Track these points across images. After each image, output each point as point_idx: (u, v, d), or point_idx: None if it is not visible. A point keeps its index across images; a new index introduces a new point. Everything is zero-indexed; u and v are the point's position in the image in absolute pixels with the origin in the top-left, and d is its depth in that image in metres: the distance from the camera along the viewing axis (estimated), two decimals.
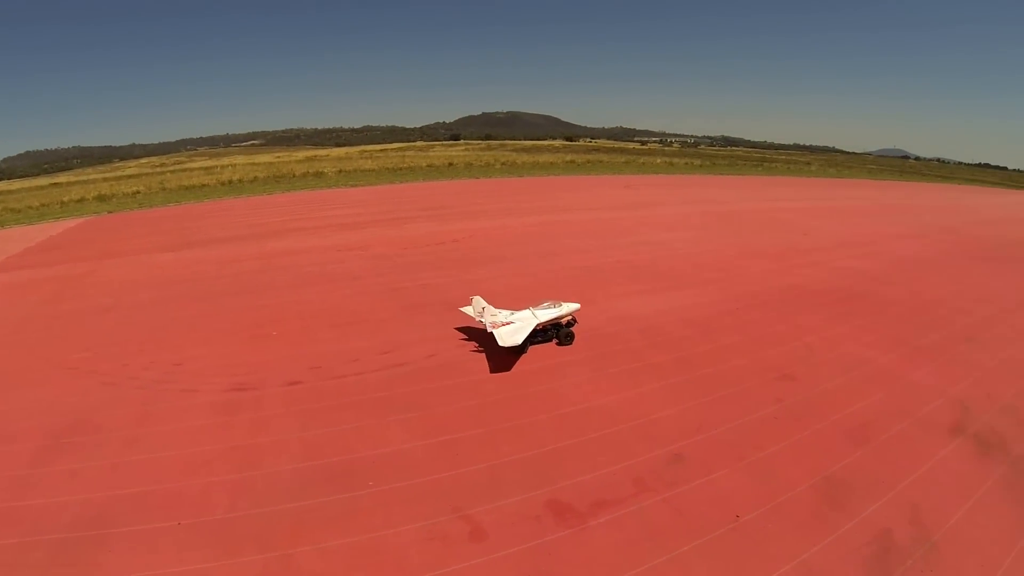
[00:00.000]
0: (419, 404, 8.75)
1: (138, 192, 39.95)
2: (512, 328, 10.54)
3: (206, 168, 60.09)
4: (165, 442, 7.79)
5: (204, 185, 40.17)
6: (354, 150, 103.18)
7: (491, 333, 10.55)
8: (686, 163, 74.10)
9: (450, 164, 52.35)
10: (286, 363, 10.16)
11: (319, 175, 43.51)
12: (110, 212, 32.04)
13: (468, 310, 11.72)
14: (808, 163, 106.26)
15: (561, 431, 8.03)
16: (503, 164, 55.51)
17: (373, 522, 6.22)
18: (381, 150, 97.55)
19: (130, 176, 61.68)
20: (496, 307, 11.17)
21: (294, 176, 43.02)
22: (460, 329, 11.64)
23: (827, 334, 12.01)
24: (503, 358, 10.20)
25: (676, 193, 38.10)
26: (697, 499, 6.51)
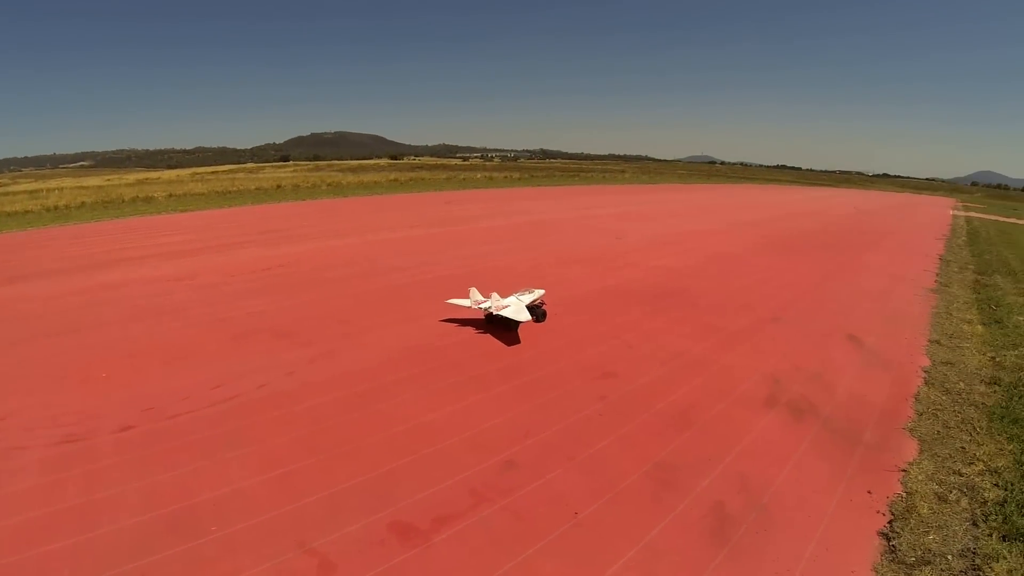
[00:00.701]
0: (253, 438, 8.36)
1: None
2: (514, 309, 12.74)
3: (31, 192, 54.03)
4: None
5: (28, 211, 36.02)
6: (185, 172, 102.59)
7: (497, 315, 12.78)
8: (505, 177, 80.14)
9: (278, 186, 52.95)
10: (118, 407, 9.31)
11: (149, 200, 41.08)
12: None
13: (461, 301, 13.65)
14: (623, 171, 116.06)
15: (394, 451, 8.00)
16: (329, 185, 57.16)
17: (220, 570, 5.82)
18: (212, 172, 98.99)
19: None
20: (477, 298, 13.31)
21: (123, 201, 40.10)
22: (288, 356, 11.33)
23: (644, 330, 13.09)
24: (332, 383, 10.17)
25: (495, 206, 39.93)
26: (535, 502, 6.88)
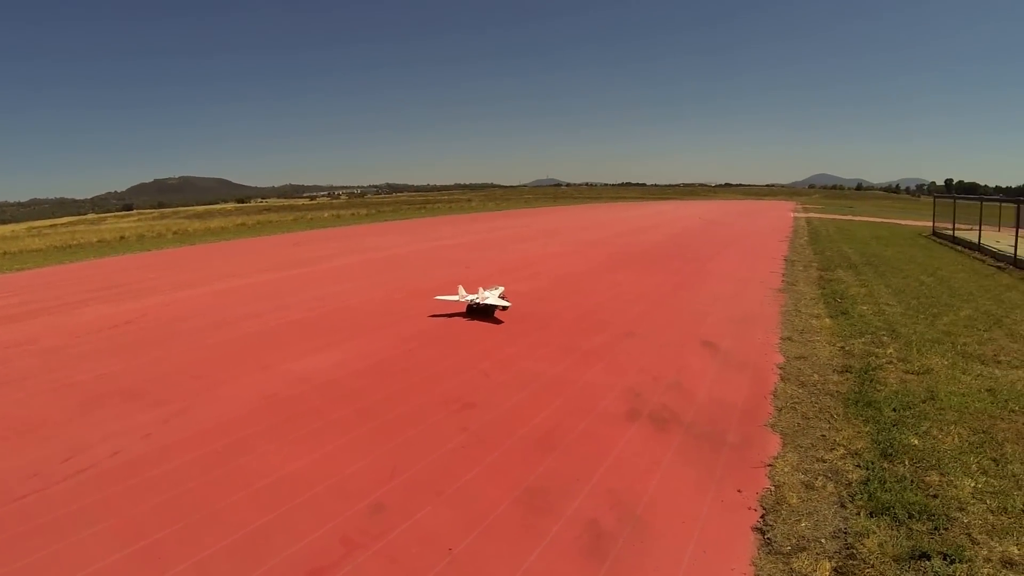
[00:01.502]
0: (112, 511, 7.65)
1: None
2: (493, 299, 16.63)
3: None
4: None
5: None
6: (20, 227, 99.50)
7: (484, 305, 16.53)
8: (353, 214, 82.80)
9: (122, 237, 51.94)
10: None
11: None
12: None
13: (449, 297, 17.28)
14: (469, 200, 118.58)
15: (260, 507, 7.58)
16: (176, 233, 56.90)
17: None
18: (51, 225, 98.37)
19: None
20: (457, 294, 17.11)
21: None
22: (143, 418, 10.62)
23: (500, 357, 13.20)
24: (190, 442, 9.63)
25: (345, 244, 39.77)
26: (408, 543, 6.68)
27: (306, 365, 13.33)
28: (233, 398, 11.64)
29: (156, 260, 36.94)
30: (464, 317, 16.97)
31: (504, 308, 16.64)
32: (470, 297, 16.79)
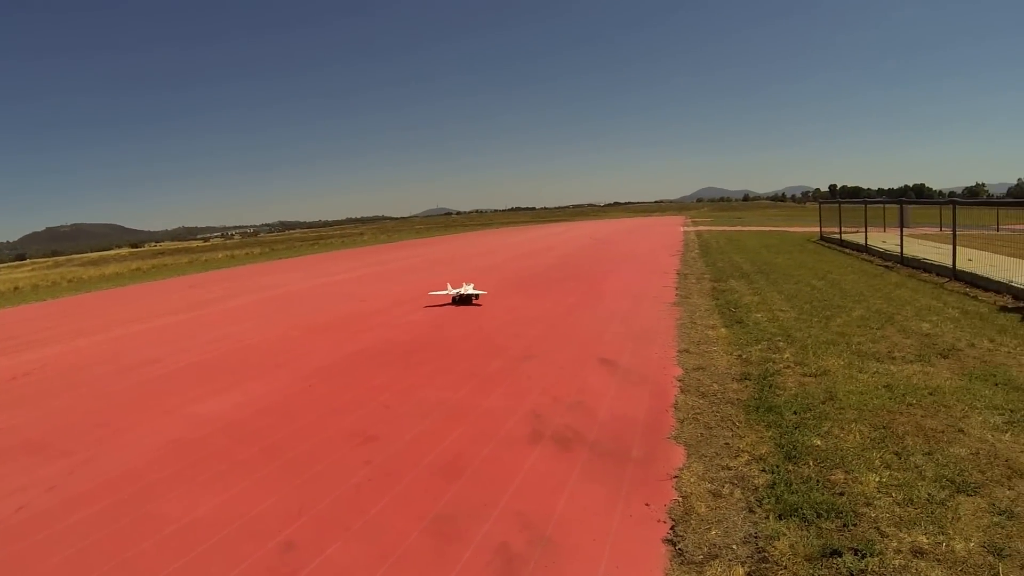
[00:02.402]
0: (19, 568, 7.00)
1: None
2: (470, 291, 22.04)
3: None
4: None
5: None
6: None
7: (465, 294, 21.95)
8: (246, 253, 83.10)
9: (16, 288, 51.22)
10: None
11: None
12: None
13: (439, 292, 22.93)
14: (361, 234, 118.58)
15: (170, 554, 7.14)
16: (70, 281, 56.02)
17: None
18: None
19: None
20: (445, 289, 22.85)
21: None
22: (46, 471, 9.93)
23: (400, 388, 13.03)
24: (96, 492, 9.07)
25: (240, 284, 38.97)
26: None
27: (209, 407, 12.84)
28: (138, 444, 11.14)
29: (53, 309, 35.61)
30: (363, 351, 16.69)
31: (478, 296, 22.41)
32: (455, 291, 22.31)
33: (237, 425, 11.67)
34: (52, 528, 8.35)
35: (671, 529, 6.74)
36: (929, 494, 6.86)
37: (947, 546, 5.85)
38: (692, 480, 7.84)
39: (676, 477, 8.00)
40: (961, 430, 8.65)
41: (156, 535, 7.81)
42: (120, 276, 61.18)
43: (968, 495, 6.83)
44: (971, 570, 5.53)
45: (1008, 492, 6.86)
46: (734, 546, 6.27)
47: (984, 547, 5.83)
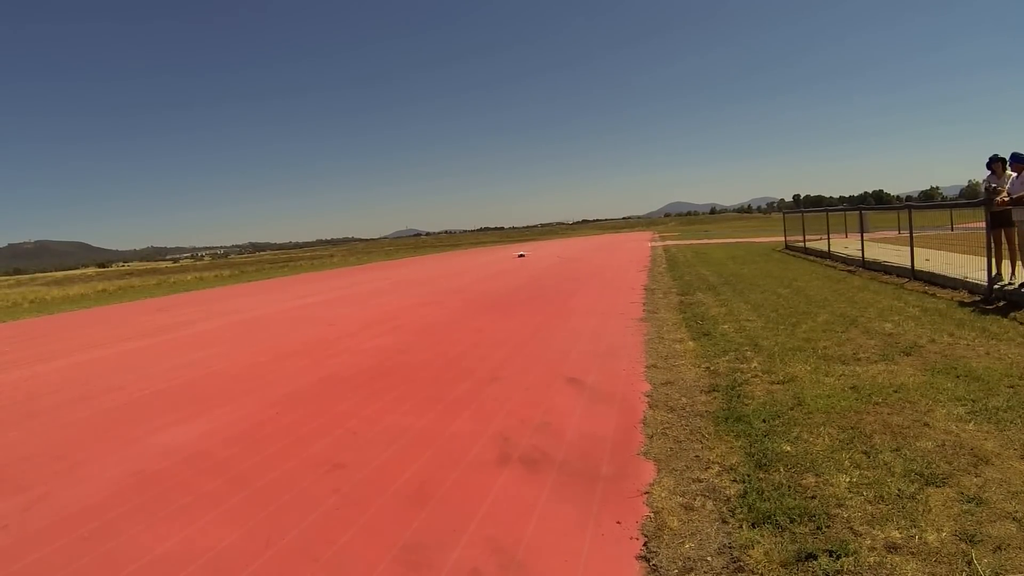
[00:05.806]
0: None
1: None
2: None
3: None
4: None
5: None
6: None
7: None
8: (216, 275, 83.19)
9: None
10: None
11: None
12: None
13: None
14: (331, 255, 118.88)
15: None
16: (32, 302, 56.39)
17: None
18: None
19: None
20: None
21: None
22: (4, 507, 9.67)
23: (366, 414, 12.84)
24: (53, 530, 8.75)
25: (209, 308, 38.52)
26: None
27: (173, 437, 12.58)
28: (98, 477, 10.75)
29: (12, 332, 34.79)
30: (331, 376, 16.51)
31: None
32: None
33: (202, 455, 11.43)
34: (5, 570, 8.07)
35: (644, 545, 6.69)
36: (899, 489, 6.95)
37: (920, 539, 5.92)
38: (663, 495, 7.81)
39: (647, 493, 7.97)
40: (927, 424, 8.81)
41: (117, 575, 7.59)
42: (85, 297, 60.50)
43: (937, 486, 6.94)
44: (945, 559, 5.59)
45: (975, 479, 6.98)
46: (709, 558, 6.25)
47: (956, 535, 5.91)
